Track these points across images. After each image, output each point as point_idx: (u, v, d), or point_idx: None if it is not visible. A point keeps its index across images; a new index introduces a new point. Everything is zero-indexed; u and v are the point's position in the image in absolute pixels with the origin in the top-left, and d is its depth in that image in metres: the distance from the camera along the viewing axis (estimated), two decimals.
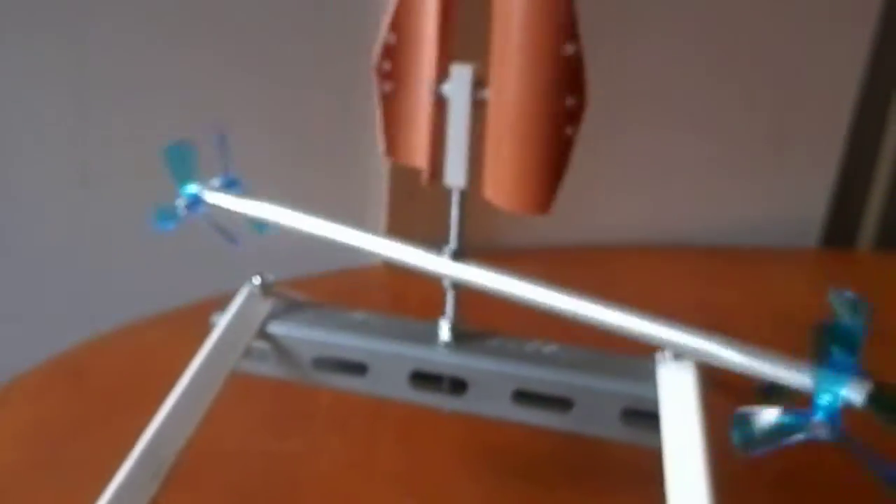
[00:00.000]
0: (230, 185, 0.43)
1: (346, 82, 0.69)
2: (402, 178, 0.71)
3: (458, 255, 0.37)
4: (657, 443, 0.34)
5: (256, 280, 0.41)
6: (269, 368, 0.41)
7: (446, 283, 0.38)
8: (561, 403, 0.37)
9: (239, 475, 0.45)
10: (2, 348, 0.61)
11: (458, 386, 0.39)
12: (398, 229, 0.73)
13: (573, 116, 0.33)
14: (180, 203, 0.42)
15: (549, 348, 0.39)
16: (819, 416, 0.27)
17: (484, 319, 0.40)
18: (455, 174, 0.36)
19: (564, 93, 0.33)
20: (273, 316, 0.40)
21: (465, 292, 0.39)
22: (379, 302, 0.69)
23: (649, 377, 0.36)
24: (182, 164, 0.43)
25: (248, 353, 0.40)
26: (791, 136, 0.80)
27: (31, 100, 0.67)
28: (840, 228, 0.87)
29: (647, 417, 0.36)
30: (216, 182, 0.43)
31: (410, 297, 0.67)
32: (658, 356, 0.37)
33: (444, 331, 0.39)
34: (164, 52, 0.67)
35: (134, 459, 0.34)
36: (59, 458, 0.47)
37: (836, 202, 0.86)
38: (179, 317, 0.60)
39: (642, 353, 0.38)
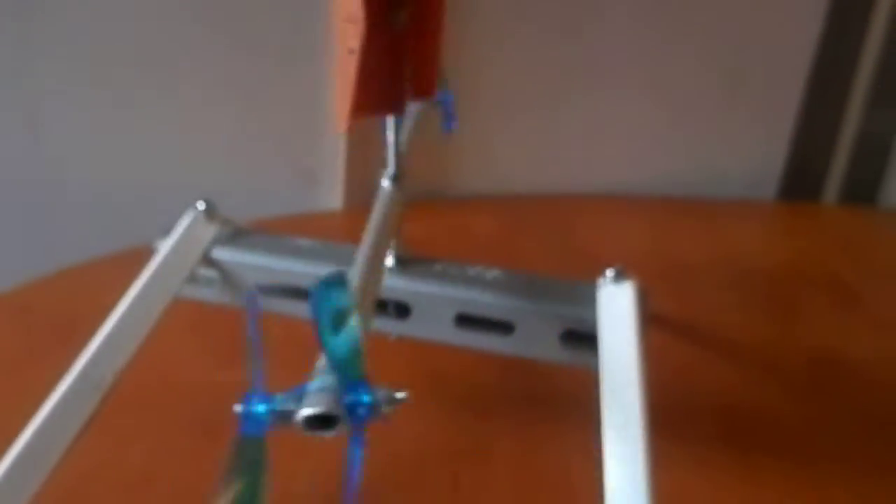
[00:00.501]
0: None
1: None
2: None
3: (397, 179, 0.37)
4: (596, 365, 0.34)
5: (201, 205, 0.40)
6: (214, 294, 0.41)
7: (387, 209, 0.38)
8: (502, 327, 0.38)
9: (185, 402, 0.45)
10: None
11: (402, 311, 0.39)
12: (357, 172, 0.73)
13: None
14: None
15: (492, 273, 0.39)
16: None
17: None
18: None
19: None
20: (218, 242, 0.40)
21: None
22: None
23: (589, 300, 0.36)
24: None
25: (193, 278, 0.41)
26: (747, 85, 0.81)
27: None
28: (802, 182, 0.88)
29: (586, 340, 0.36)
30: None
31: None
32: (599, 280, 0.37)
33: (388, 257, 0.39)
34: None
35: (76, 373, 0.34)
36: (5, 387, 0.46)
37: (797, 155, 0.87)
38: (130, 255, 0.59)
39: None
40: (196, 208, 0.40)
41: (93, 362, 0.35)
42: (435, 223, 0.72)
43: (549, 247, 0.69)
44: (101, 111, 0.70)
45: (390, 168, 0.37)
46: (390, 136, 0.37)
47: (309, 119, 0.71)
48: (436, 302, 0.38)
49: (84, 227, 0.71)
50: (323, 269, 0.39)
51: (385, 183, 0.37)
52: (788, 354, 0.55)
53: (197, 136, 0.72)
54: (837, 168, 0.88)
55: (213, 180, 0.73)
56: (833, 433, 0.47)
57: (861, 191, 0.89)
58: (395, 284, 0.38)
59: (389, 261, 0.39)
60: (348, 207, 0.74)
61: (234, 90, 0.70)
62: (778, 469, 0.44)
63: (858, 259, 0.74)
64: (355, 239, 0.64)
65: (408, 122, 0.39)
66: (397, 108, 0.35)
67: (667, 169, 0.80)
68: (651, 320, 0.57)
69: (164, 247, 0.39)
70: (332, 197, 0.73)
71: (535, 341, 0.37)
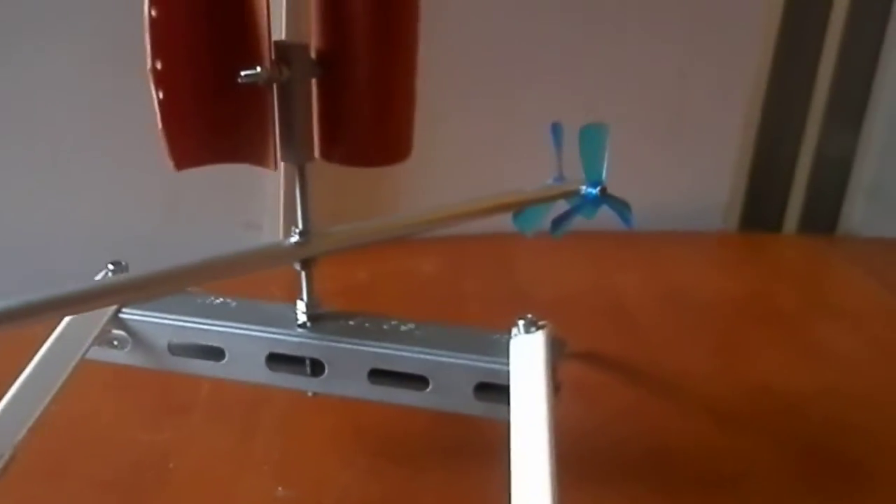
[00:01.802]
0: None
1: None
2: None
3: (305, 235, 0.36)
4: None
5: (111, 266, 0.39)
6: (125, 356, 0.40)
7: (296, 265, 0.38)
8: (417, 381, 0.37)
9: (104, 466, 0.44)
10: None
11: (318, 368, 0.38)
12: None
13: None
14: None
15: (407, 326, 0.39)
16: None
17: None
18: (300, 151, 0.35)
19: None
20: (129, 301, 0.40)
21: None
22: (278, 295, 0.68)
23: (502, 351, 0.36)
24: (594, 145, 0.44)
25: (103, 340, 0.40)
26: (690, 114, 0.82)
27: None
28: (760, 211, 0.89)
29: (501, 391, 0.36)
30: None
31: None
32: (513, 330, 0.37)
33: (300, 312, 0.38)
34: None
35: None
36: None
37: (755, 184, 0.88)
38: None
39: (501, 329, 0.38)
40: (107, 268, 0.39)
41: None
42: (379, 267, 0.72)
43: (491, 287, 0.69)
44: (30, 159, 0.69)
45: (299, 224, 0.37)
46: (298, 191, 0.37)
47: (253, 176, 0.71)
48: (349, 358, 0.37)
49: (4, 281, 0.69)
50: (232, 327, 0.38)
51: (293, 239, 0.36)
52: (726, 390, 0.55)
53: (135, 187, 0.72)
54: (796, 196, 0.89)
55: (153, 230, 0.72)
56: (768, 469, 0.47)
57: (820, 218, 0.90)
58: (306, 341, 0.37)
59: (301, 315, 0.38)
60: None
61: None
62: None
63: (803, 290, 0.75)
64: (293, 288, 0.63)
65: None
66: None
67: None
68: (590, 359, 0.58)
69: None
70: None
71: (450, 394, 0.37)
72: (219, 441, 0.47)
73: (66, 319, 0.38)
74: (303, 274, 0.38)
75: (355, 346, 0.37)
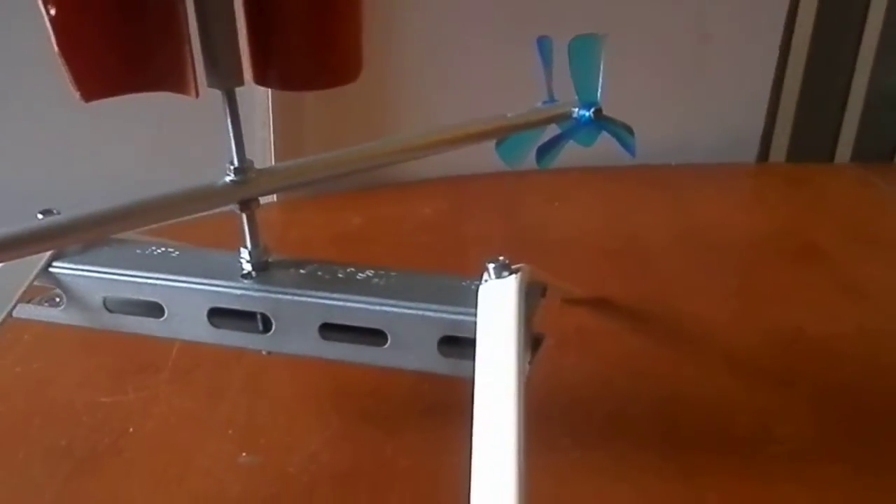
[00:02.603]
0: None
1: None
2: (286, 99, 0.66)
3: (241, 172, 0.32)
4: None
5: (39, 216, 0.35)
6: (60, 315, 0.36)
7: (234, 207, 0.33)
8: (374, 335, 0.33)
9: (60, 432, 0.41)
10: None
11: (268, 323, 0.34)
12: (287, 151, 0.68)
13: None
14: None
15: (364, 274, 0.34)
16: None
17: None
18: (226, 74, 0.31)
19: None
20: (60, 255, 0.36)
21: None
22: None
23: (470, 300, 0.31)
24: (586, 60, 0.39)
25: (36, 297, 0.36)
26: (720, 40, 0.75)
27: None
28: (810, 142, 0.82)
29: (468, 345, 0.31)
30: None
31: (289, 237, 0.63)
32: (484, 275, 0.32)
33: (244, 262, 0.34)
34: None
35: None
36: None
37: (802, 114, 0.81)
38: None
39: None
40: (36, 217, 0.35)
41: None
42: (374, 211, 0.67)
43: (494, 230, 0.64)
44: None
45: (233, 160, 0.32)
46: (230, 118, 0.32)
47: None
48: (296, 311, 0.33)
49: None
50: (169, 279, 0.34)
51: (227, 178, 0.32)
52: (750, 338, 0.49)
53: (121, 134, 0.68)
54: (849, 127, 0.82)
55: (140, 179, 0.68)
56: (795, 427, 0.41)
57: (875, 149, 0.83)
58: (251, 294, 0.33)
59: (246, 267, 0.34)
60: (282, 200, 0.69)
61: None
62: (724, 469, 0.38)
63: (844, 224, 0.68)
64: (287, 232, 0.59)
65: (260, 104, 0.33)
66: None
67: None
68: (597, 306, 0.53)
69: None
70: None
71: (411, 350, 0.32)
72: (184, 402, 0.43)
73: None
74: (243, 217, 0.34)
75: (303, 298, 0.33)
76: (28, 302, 0.36)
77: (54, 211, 0.34)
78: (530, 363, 0.32)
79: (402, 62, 0.70)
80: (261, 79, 0.32)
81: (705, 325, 0.50)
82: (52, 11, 0.28)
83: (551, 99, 0.41)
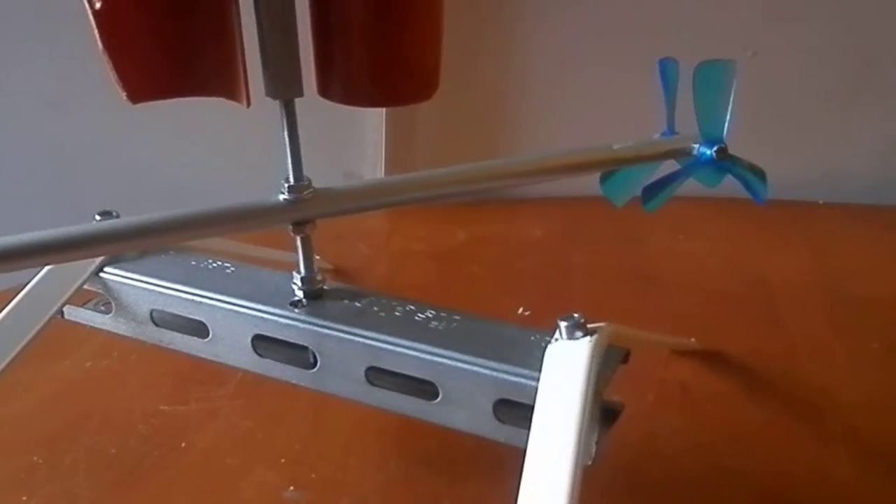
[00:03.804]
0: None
1: None
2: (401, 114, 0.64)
3: (296, 191, 0.29)
4: None
5: (98, 217, 0.34)
6: (108, 322, 0.34)
7: (288, 228, 0.30)
8: (425, 387, 0.29)
9: (112, 439, 0.39)
10: None
11: (314, 358, 0.31)
12: (398, 155, 0.65)
13: None
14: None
15: (424, 314, 0.30)
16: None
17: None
18: (283, 83, 0.27)
19: None
20: (114, 259, 0.34)
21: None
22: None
23: (534, 360, 0.27)
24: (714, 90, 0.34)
25: (87, 302, 0.34)
26: (877, 75, 0.66)
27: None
28: None
29: (527, 412, 0.27)
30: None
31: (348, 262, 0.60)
32: (555, 333, 0.28)
33: (296, 287, 0.31)
34: None
35: None
36: None
37: None
38: None
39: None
40: (94, 219, 0.34)
41: None
42: (481, 228, 0.63)
43: (605, 261, 0.58)
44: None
45: (290, 177, 0.29)
46: (287, 133, 0.29)
47: (351, 120, 0.65)
48: (344, 350, 0.29)
49: None
50: (216, 298, 0.32)
51: (281, 196, 0.29)
52: (883, 424, 0.42)
53: (243, 140, 0.67)
54: None
55: (246, 179, 0.67)
56: None
57: None
58: (297, 324, 0.30)
59: (298, 294, 0.31)
60: (389, 210, 0.67)
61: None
62: None
63: None
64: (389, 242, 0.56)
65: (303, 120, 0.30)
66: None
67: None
68: (710, 360, 0.47)
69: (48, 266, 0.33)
70: None
71: (464, 410, 0.28)
72: (242, 421, 0.41)
73: (39, 277, 0.33)
74: (298, 240, 0.30)
75: (351, 337, 0.29)
76: (81, 305, 0.35)
77: (113, 213, 0.32)
78: (597, 443, 0.27)
79: (522, 81, 0.66)
80: (325, 91, 0.28)
81: (833, 400, 0.43)
82: (98, 5, 0.25)
83: (671, 131, 0.36)
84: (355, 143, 0.66)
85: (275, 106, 0.28)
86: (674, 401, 0.43)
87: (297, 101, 0.28)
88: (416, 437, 0.40)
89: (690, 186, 0.36)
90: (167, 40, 0.26)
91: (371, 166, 0.67)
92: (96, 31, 0.26)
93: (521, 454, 0.28)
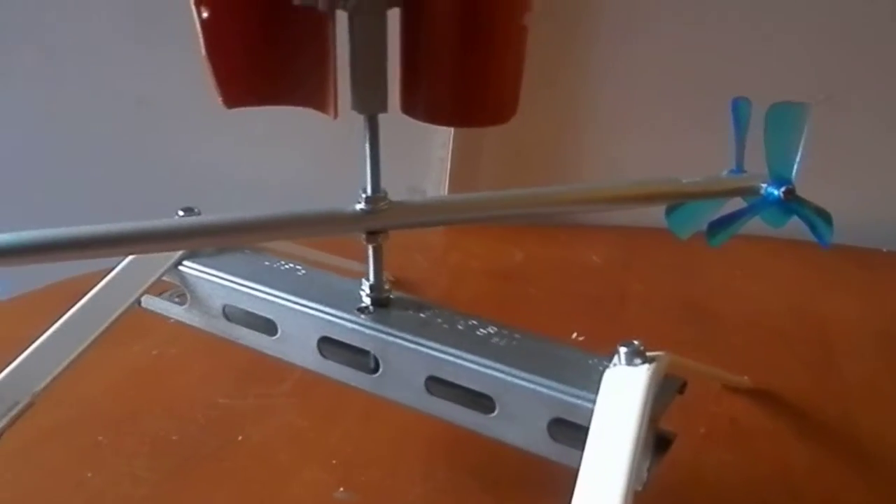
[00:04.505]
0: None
1: None
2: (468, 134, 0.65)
3: (372, 202, 0.30)
4: None
5: (181, 213, 0.35)
6: (182, 313, 0.36)
7: (361, 237, 0.31)
8: (482, 401, 0.30)
9: (173, 425, 0.41)
10: None
11: (375, 364, 0.32)
12: (462, 173, 0.66)
13: None
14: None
15: (486, 330, 0.31)
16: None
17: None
18: (369, 98, 0.29)
19: None
20: (193, 254, 0.35)
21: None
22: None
23: (592, 383, 0.28)
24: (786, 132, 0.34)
25: (164, 293, 0.36)
26: None
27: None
28: None
29: (581, 433, 0.27)
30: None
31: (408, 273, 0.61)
32: (614, 358, 0.28)
33: (364, 294, 0.32)
34: None
35: None
36: None
37: None
38: None
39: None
40: (178, 214, 0.35)
41: (8, 381, 0.30)
42: (539, 250, 0.64)
43: (660, 291, 0.58)
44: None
45: (367, 188, 0.30)
46: (368, 148, 0.30)
47: (419, 137, 0.66)
48: (405, 358, 0.30)
49: None
50: (287, 298, 0.33)
51: (357, 206, 0.30)
52: None
53: (293, 143, 0.70)
54: None
55: (309, 191, 0.70)
56: None
57: None
58: (362, 330, 0.31)
59: (365, 300, 0.32)
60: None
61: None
62: None
63: None
64: (447, 257, 0.56)
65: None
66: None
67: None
68: (762, 398, 0.47)
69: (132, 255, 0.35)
70: None
71: (519, 425, 0.29)
72: (298, 420, 0.42)
73: (122, 266, 0.35)
74: (369, 248, 0.32)
75: (413, 346, 0.30)
76: (158, 295, 0.36)
77: (195, 210, 0.34)
78: (649, 470, 0.27)
79: (590, 110, 0.66)
80: (408, 109, 0.29)
81: (888, 449, 0.43)
82: (204, 15, 0.27)
83: (739, 169, 0.36)
84: (421, 160, 0.68)
85: (352, 120, 0.29)
86: (724, 435, 0.43)
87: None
88: (464, 450, 0.41)
89: (751, 225, 0.36)
90: (265, 52, 0.28)
91: (435, 182, 0.68)
92: (201, 39, 0.27)
93: (567, 475, 0.29)
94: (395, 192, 0.31)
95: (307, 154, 0.69)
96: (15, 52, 0.68)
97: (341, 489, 0.37)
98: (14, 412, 0.30)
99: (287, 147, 0.68)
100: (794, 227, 0.37)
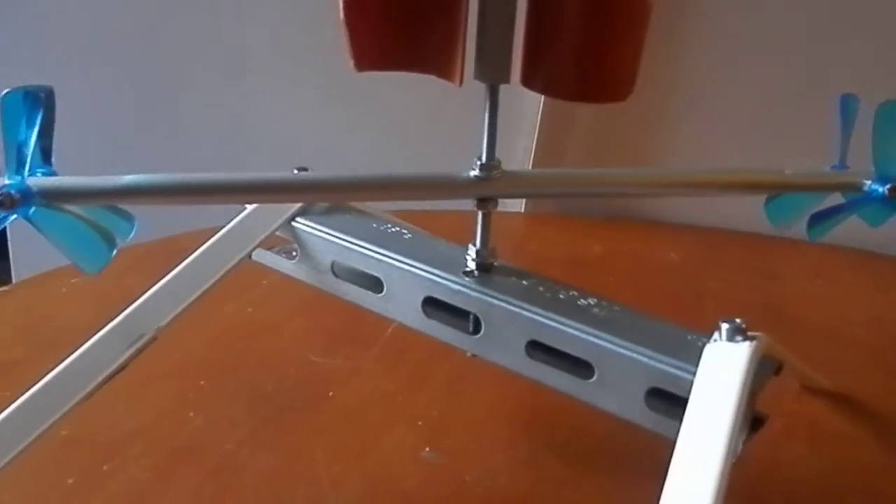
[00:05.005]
0: None
1: None
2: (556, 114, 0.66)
3: (486, 169, 0.31)
4: None
5: (295, 171, 0.37)
6: (291, 267, 0.38)
7: (472, 203, 0.32)
8: (581, 367, 0.31)
9: (269, 377, 0.43)
10: None
11: (476, 325, 0.33)
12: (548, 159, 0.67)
13: None
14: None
15: (587, 300, 0.32)
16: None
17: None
18: (493, 68, 0.30)
19: None
20: (306, 211, 0.37)
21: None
22: None
23: (692, 356, 0.28)
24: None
25: (276, 246, 0.38)
26: None
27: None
28: None
29: (678, 404, 0.28)
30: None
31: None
32: (714, 334, 0.29)
33: (469, 259, 0.33)
34: None
35: (113, 324, 0.32)
36: None
37: None
38: None
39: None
40: (294, 172, 0.37)
41: (136, 315, 0.33)
42: (617, 244, 0.64)
43: (738, 292, 0.59)
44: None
45: (482, 156, 0.31)
46: (487, 116, 0.31)
47: (503, 125, 0.68)
48: (508, 321, 0.32)
49: None
50: (393, 257, 0.34)
51: (472, 172, 0.31)
52: None
53: (389, 135, 0.72)
54: None
55: (395, 157, 0.72)
56: None
57: None
58: (466, 291, 0.32)
59: (470, 265, 0.33)
60: (528, 212, 0.69)
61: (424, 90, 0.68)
62: None
63: None
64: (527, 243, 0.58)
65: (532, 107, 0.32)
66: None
67: None
68: (841, 402, 0.47)
69: (249, 209, 0.37)
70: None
71: (617, 392, 0.30)
72: (385, 383, 0.44)
73: (239, 218, 0.36)
74: (479, 214, 0.33)
75: (517, 309, 0.31)
76: (268, 249, 0.38)
77: (309, 170, 0.36)
78: (744, 443, 0.28)
79: (683, 93, 0.66)
80: (528, 81, 0.31)
81: None
82: None
83: (842, 165, 0.37)
84: (505, 148, 0.69)
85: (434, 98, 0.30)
86: (801, 433, 0.43)
87: (454, 86, 0.30)
88: (546, 424, 0.42)
89: (836, 234, 0.37)
90: (401, 20, 0.29)
91: (519, 164, 0.69)
92: (340, 4, 0.29)
93: (642, 452, 0.30)
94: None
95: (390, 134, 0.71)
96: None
97: (427, 449, 0.39)
98: (139, 344, 0.32)
99: (384, 118, 0.70)
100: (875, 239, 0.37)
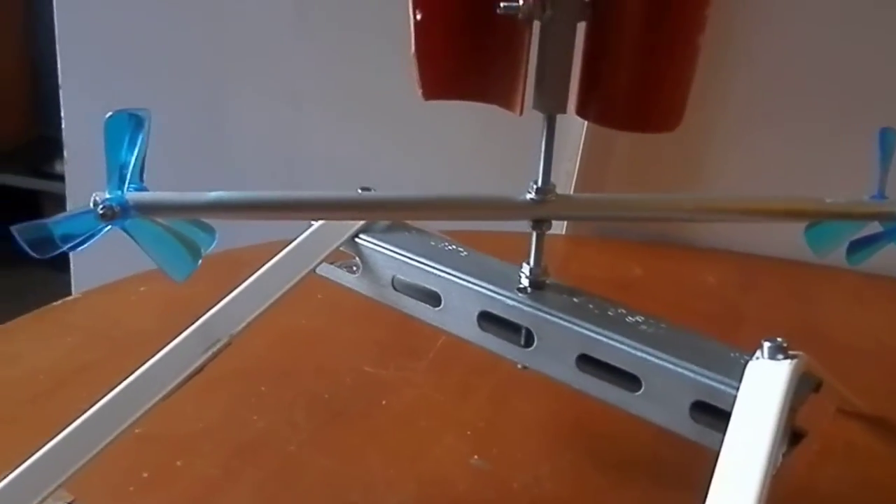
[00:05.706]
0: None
1: None
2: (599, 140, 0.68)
3: (542, 193, 0.33)
4: None
5: (359, 190, 0.40)
6: (353, 281, 0.40)
7: (530, 224, 0.35)
8: (628, 380, 0.33)
9: (325, 385, 0.45)
10: None
11: (529, 339, 0.35)
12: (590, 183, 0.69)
13: None
14: None
15: (634, 318, 0.34)
16: None
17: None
18: (552, 99, 0.32)
19: None
20: (368, 228, 0.39)
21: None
22: None
23: (735, 372, 0.30)
24: None
25: (338, 261, 0.40)
26: None
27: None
28: None
29: (721, 417, 0.30)
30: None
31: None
32: (757, 352, 0.31)
33: (524, 276, 0.36)
34: None
35: (191, 330, 0.35)
36: None
37: None
38: None
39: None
40: (358, 192, 0.40)
41: (209, 325, 0.35)
42: (657, 266, 0.66)
43: (778, 316, 0.60)
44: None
45: (539, 180, 0.33)
46: (544, 143, 0.34)
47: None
48: (560, 335, 0.34)
49: None
50: (451, 274, 0.37)
51: (528, 195, 0.33)
52: None
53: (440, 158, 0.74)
54: None
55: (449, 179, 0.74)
56: None
57: None
58: (521, 307, 0.34)
59: (524, 282, 0.36)
60: (569, 234, 0.71)
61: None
62: None
63: None
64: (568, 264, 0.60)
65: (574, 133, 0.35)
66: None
67: None
68: (878, 425, 0.48)
69: (317, 223, 0.39)
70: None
71: (662, 404, 0.32)
72: (434, 393, 0.46)
73: (306, 234, 0.39)
74: (533, 235, 0.35)
75: (568, 324, 0.33)
76: (331, 263, 0.41)
77: (372, 189, 0.38)
78: (784, 456, 0.30)
79: (724, 123, 0.68)
80: (582, 111, 0.33)
81: None
82: (418, 16, 0.31)
83: (881, 195, 0.38)
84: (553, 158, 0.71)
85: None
86: (837, 454, 0.45)
87: (501, 111, 0.33)
88: (588, 435, 0.44)
89: (874, 263, 0.38)
90: (468, 53, 0.32)
91: (563, 181, 0.71)
92: (412, 37, 0.31)
93: (677, 466, 0.31)
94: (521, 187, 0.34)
95: (444, 157, 0.73)
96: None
97: (476, 457, 0.41)
98: (215, 349, 0.34)
99: (437, 144, 0.73)
100: None
